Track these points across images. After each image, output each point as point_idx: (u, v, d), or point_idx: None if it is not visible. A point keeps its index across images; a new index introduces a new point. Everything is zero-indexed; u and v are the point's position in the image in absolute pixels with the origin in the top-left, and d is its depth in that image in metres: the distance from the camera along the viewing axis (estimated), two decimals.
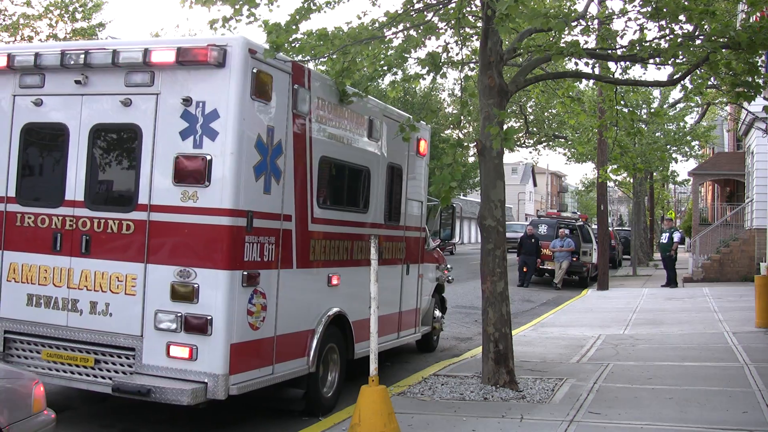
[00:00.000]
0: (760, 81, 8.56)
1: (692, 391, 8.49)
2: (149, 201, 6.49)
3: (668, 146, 30.31)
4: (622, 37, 9.19)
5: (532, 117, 36.10)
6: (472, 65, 11.39)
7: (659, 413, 7.46)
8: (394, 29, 8.17)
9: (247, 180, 6.42)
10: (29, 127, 7.11)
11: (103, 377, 6.58)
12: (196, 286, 6.26)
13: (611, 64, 10.87)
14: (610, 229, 29.51)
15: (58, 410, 5.45)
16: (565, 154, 38.91)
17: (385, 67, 8.33)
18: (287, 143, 6.96)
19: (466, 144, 28.72)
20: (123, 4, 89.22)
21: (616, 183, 34.69)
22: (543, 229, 26.59)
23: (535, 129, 37.29)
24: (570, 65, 13.40)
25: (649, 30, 8.96)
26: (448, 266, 12.24)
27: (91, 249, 6.68)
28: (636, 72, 40.42)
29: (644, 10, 8.42)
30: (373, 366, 6.10)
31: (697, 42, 8.25)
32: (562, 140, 37.01)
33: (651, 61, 8.76)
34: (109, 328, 6.55)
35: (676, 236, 23.62)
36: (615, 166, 16.84)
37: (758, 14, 9.36)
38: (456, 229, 11.75)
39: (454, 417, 7.35)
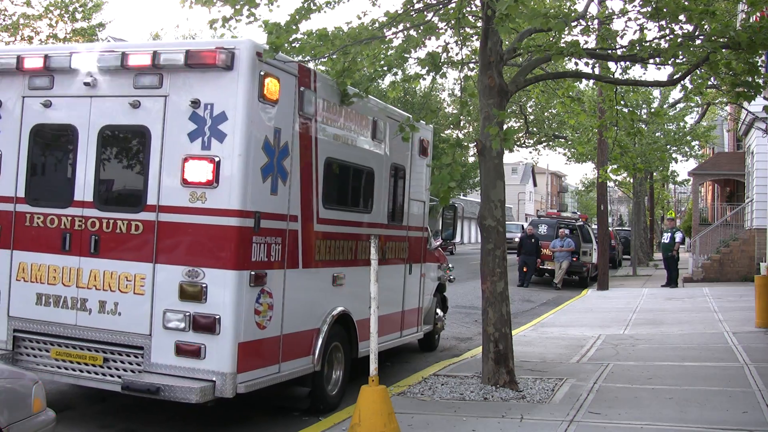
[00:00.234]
0: (760, 81, 8.56)
1: (692, 391, 8.49)
2: (158, 202, 6.57)
3: (668, 146, 30.30)
4: (622, 37, 9.19)
5: (532, 117, 36.09)
6: (472, 65, 11.39)
7: (659, 413, 7.46)
8: (394, 29, 8.17)
9: (255, 181, 6.49)
10: (38, 128, 7.18)
11: (111, 376, 6.65)
12: (204, 285, 6.34)
13: (611, 64, 10.87)
14: (610, 229, 29.52)
15: (58, 410, 5.45)
16: (565, 154, 38.91)
17: (385, 67, 8.33)
18: (293, 145, 7.05)
19: (465, 144, 28.74)
20: (123, 4, 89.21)
21: (616, 183, 34.68)
22: (543, 229, 26.58)
23: (535, 129, 37.28)
24: (570, 65, 13.41)
25: (649, 30, 8.97)
26: (450, 266, 12.33)
27: (100, 249, 6.75)
28: (636, 72, 40.39)
29: (644, 10, 8.41)
30: (373, 366, 6.11)
31: (697, 42, 8.25)
32: (562, 140, 37.01)
33: (651, 61, 8.76)
34: (118, 327, 6.63)
35: (678, 236, 23.61)
36: (615, 166, 16.83)
37: (758, 14, 9.36)
38: (458, 229, 11.86)
39: (454, 417, 7.35)
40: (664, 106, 31.19)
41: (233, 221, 6.34)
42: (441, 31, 8.41)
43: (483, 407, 7.71)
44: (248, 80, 6.40)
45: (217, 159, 6.36)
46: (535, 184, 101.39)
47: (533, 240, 24.85)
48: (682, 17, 8.18)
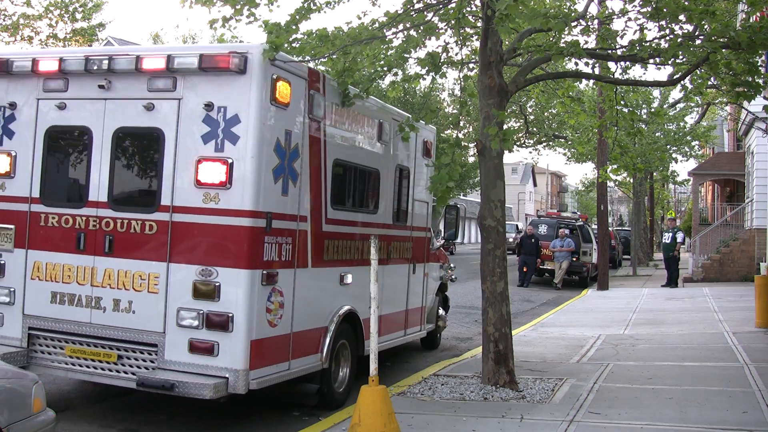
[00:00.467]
0: (760, 81, 8.56)
1: (692, 391, 8.49)
2: (172, 202, 6.70)
3: (668, 146, 30.30)
4: (622, 37, 9.19)
5: (532, 117, 36.06)
6: (472, 65, 11.39)
7: (659, 413, 7.46)
8: (394, 29, 8.16)
9: (267, 182, 6.63)
10: (53, 130, 7.29)
11: (125, 372, 6.77)
12: (217, 284, 6.47)
13: (611, 64, 10.88)
14: (610, 229, 29.51)
15: (58, 410, 5.45)
16: (565, 154, 38.90)
17: (386, 68, 8.34)
18: (303, 147, 7.19)
19: (465, 144, 28.75)
20: (123, 4, 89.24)
21: (616, 183, 34.68)
22: (543, 229, 26.57)
23: (535, 129, 37.24)
24: (570, 65, 13.41)
25: (649, 30, 8.97)
26: (452, 265, 12.46)
27: (115, 248, 6.87)
28: (636, 72, 40.30)
29: (644, 10, 8.41)
30: (373, 366, 6.11)
31: (697, 42, 8.25)
32: (562, 140, 36.99)
33: (651, 61, 8.76)
34: (132, 325, 6.75)
35: (680, 236, 23.61)
36: (615, 166, 16.79)
37: (758, 14, 9.36)
38: (460, 230, 12.01)
39: (454, 417, 7.34)
40: (664, 106, 31.19)
41: (246, 221, 6.48)
42: (441, 31, 8.41)
43: (483, 407, 7.71)
44: (261, 84, 6.53)
45: (230, 161, 6.50)
46: (535, 184, 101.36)
47: (533, 240, 24.85)
48: (682, 17, 8.18)
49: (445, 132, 35.66)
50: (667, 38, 8.50)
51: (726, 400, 7.97)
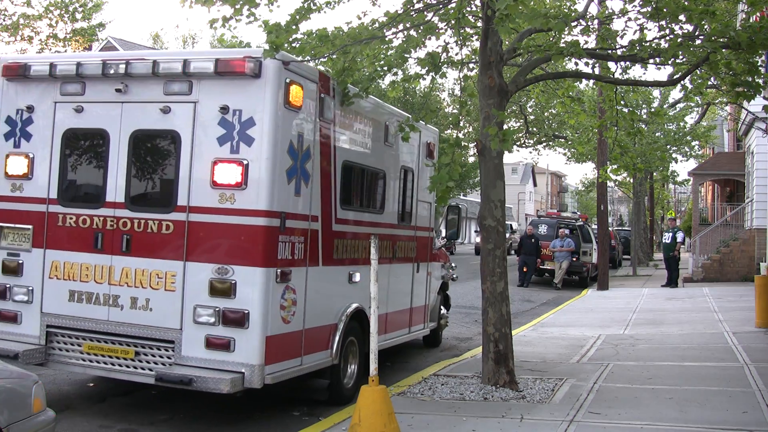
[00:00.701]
0: (760, 81, 8.55)
1: (692, 391, 8.49)
2: (188, 202, 6.86)
3: (668, 146, 30.28)
4: (622, 37, 9.19)
5: (532, 117, 36.07)
6: (472, 65, 11.38)
7: (659, 413, 7.46)
8: (394, 29, 8.16)
9: (281, 183, 6.81)
10: (70, 132, 7.45)
11: (143, 368, 6.95)
12: (233, 282, 6.64)
13: (611, 64, 10.87)
14: (610, 229, 29.50)
15: (58, 410, 5.45)
16: (565, 154, 38.90)
17: (385, 68, 8.35)
18: (314, 148, 7.38)
19: (465, 144, 28.73)
20: (123, 4, 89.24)
21: (616, 183, 34.68)
22: (543, 229, 26.58)
23: (535, 129, 37.25)
24: (570, 65, 13.40)
25: (649, 30, 8.96)
26: (453, 265, 12.62)
27: (132, 248, 7.03)
28: (636, 72, 40.32)
29: (644, 10, 8.41)
30: (373, 366, 6.13)
31: (697, 42, 8.24)
32: (562, 140, 36.98)
33: (651, 61, 8.75)
34: (150, 322, 6.91)
35: (680, 236, 23.60)
36: (615, 166, 16.78)
37: (758, 14, 9.36)
38: (462, 229, 12.14)
39: (454, 417, 7.35)
40: (664, 106, 31.18)
41: (261, 221, 6.65)
42: (441, 31, 8.41)
43: (483, 407, 7.71)
44: (275, 87, 6.71)
45: (245, 162, 6.67)
46: (535, 184, 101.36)
47: (533, 240, 24.85)
48: (682, 17, 8.18)
49: (445, 132, 35.69)
50: (667, 38, 8.49)
51: (726, 400, 7.97)
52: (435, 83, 35.47)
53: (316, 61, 8.25)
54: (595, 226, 27.84)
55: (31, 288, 7.38)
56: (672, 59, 8.41)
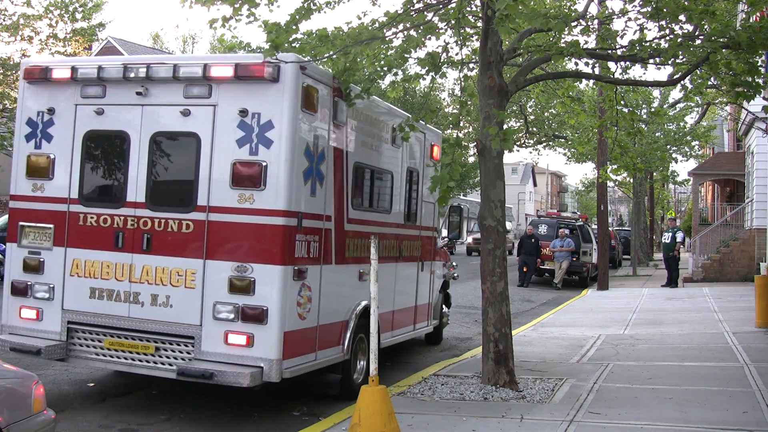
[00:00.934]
0: (760, 81, 8.56)
1: (692, 391, 8.49)
2: (208, 202, 7.07)
3: (668, 146, 30.28)
4: (622, 37, 9.19)
5: (532, 117, 36.07)
6: (472, 65, 11.38)
7: (659, 413, 7.46)
8: (394, 29, 8.17)
9: (298, 184, 7.03)
10: (91, 134, 7.62)
11: (162, 363, 7.16)
12: (252, 279, 6.86)
13: (611, 64, 10.87)
14: (610, 229, 29.49)
15: (58, 410, 5.45)
16: (565, 154, 38.89)
17: (385, 68, 8.36)
18: (328, 150, 7.62)
19: (465, 144, 28.73)
20: (123, 4, 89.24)
21: (616, 183, 34.66)
22: (543, 229, 26.56)
23: (535, 129, 37.26)
24: (570, 65, 13.41)
25: (649, 30, 8.97)
26: (454, 264, 12.79)
27: (152, 246, 7.22)
28: (636, 72, 40.38)
29: (644, 10, 8.41)
30: (373, 366, 6.13)
31: (697, 42, 8.25)
32: (562, 140, 36.98)
33: (651, 61, 8.76)
34: (170, 319, 7.11)
35: (680, 236, 23.58)
36: (615, 166, 16.81)
37: (758, 14, 9.36)
38: (464, 229, 12.50)
39: (454, 417, 7.35)
40: (664, 106, 31.17)
41: (279, 221, 6.86)
42: (441, 31, 8.42)
43: (483, 407, 7.71)
44: (293, 92, 6.91)
45: (264, 164, 6.88)
46: (535, 184, 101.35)
47: (533, 240, 24.84)
48: (682, 17, 8.18)
49: (446, 132, 35.71)
50: (667, 38, 8.50)
51: (726, 400, 7.97)
52: (435, 83, 35.49)
53: (317, 61, 8.26)
54: (595, 226, 27.83)
55: (52, 285, 7.56)
56: (672, 59, 8.41)
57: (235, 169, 6.94)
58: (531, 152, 57.99)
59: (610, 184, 27.50)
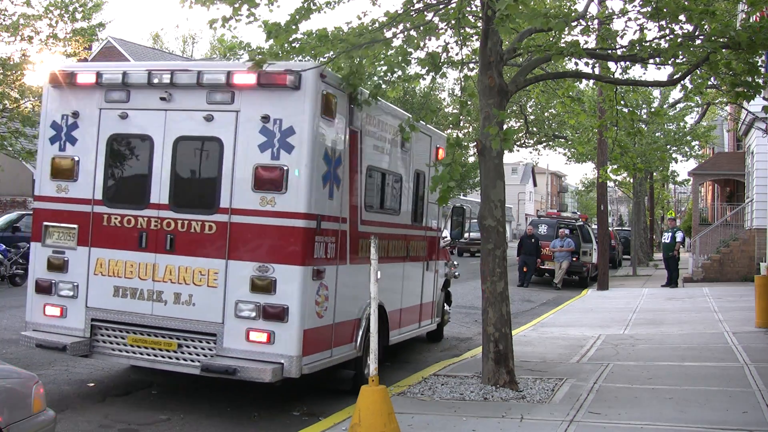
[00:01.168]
0: (760, 81, 8.56)
1: (692, 391, 8.49)
2: (230, 205, 7.30)
3: (668, 146, 30.27)
4: (622, 37, 9.19)
5: (532, 117, 36.07)
6: (472, 65, 11.38)
7: (659, 413, 7.46)
8: (394, 29, 8.16)
9: (317, 187, 7.29)
10: (115, 137, 7.85)
11: (185, 360, 7.39)
12: (273, 279, 7.09)
13: (611, 64, 10.87)
14: (610, 229, 29.49)
15: (58, 410, 5.45)
16: (565, 154, 38.90)
17: (385, 68, 8.35)
18: (345, 155, 7.89)
19: (465, 144, 28.68)
20: (123, 4, 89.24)
21: (616, 183, 34.62)
22: (543, 229, 26.57)
23: (535, 129, 37.26)
24: (570, 65, 13.39)
25: (649, 30, 8.97)
26: (455, 263, 13.00)
27: (176, 246, 7.45)
28: (636, 72, 40.40)
29: (644, 10, 8.41)
30: (373, 366, 6.14)
31: (697, 42, 8.24)
32: (562, 140, 36.99)
33: (651, 61, 8.75)
34: (193, 316, 7.34)
35: (679, 236, 23.58)
36: (615, 166, 16.81)
37: (758, 14, 9.36)
38: (465, 229, 12.60)
39: (454, 417, 7.35)
40: (664, 106, 31.17)
41: (300, 223, 7.11)
42: (441, 31, 8.41)
43: (483, 407, 7.72)
44: (313, 99, 7.17)
45: (285, 168, 7.12)
46: (535, 184, 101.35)
47: (533, 240, 24.84)
48: (682, 17, 8.18)
49: (446, 132, 35.72)
50: (667, 38, 8.49)
51: (726, 400, 7.97)
52: (435, 83, 35.50)
53: (317, 61, 8.26)
54: (595, 226, 27.83)
55: (76, 284, 7.78)
56: (672, 59, 8.41)
57: (257, 173, 7.16)
58: (531, 152, 58.12)
59: (610, 184, 27.47)
